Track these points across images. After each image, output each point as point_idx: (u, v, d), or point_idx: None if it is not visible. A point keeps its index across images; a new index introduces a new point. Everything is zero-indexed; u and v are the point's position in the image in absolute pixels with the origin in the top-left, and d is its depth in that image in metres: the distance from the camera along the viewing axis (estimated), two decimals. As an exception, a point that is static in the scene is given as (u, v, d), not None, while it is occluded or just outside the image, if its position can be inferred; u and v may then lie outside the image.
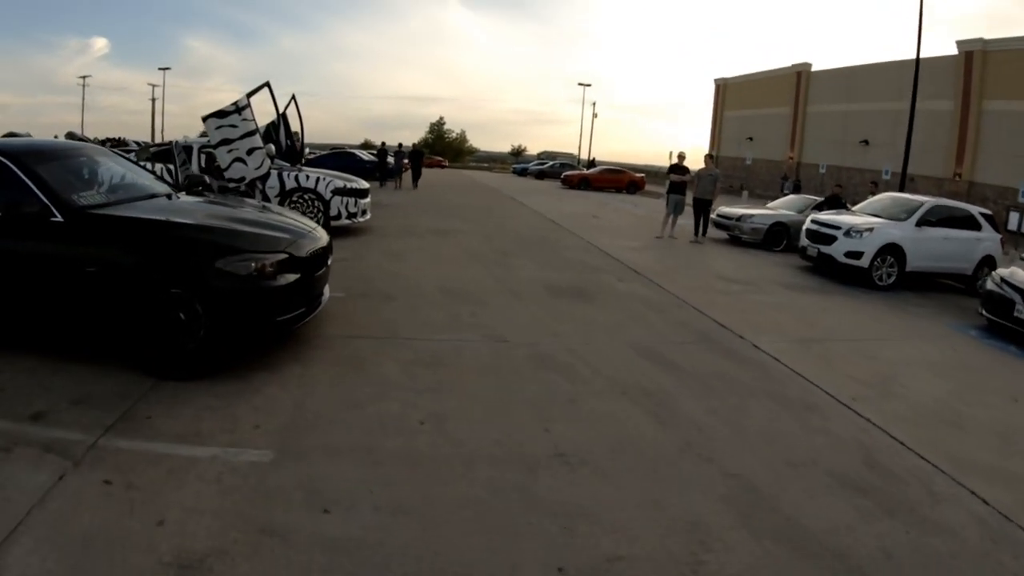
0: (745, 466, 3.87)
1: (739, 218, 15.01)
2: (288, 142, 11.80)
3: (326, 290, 5.62)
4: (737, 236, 14.90)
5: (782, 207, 15.97)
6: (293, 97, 11.86)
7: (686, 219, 14.91)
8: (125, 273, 4.25)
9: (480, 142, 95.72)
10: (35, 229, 4.36)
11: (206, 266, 4.29)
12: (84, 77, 69.22)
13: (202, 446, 3.59)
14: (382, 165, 26.96)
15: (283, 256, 4.60)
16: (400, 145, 28.10)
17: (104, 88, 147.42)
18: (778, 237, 14.49)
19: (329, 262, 5.50)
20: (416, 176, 27.15)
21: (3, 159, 4.54)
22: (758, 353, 6.15)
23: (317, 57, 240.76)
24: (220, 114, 9.87)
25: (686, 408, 4.66)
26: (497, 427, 4.09)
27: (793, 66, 43.94)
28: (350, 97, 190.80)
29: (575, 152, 66.11)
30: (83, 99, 70.82)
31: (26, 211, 4.33)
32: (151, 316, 4.30)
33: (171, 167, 10.35)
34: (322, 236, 5.45)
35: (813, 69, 42.78)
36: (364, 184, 12.00)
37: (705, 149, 54.93)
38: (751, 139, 46.69)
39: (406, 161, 27.33)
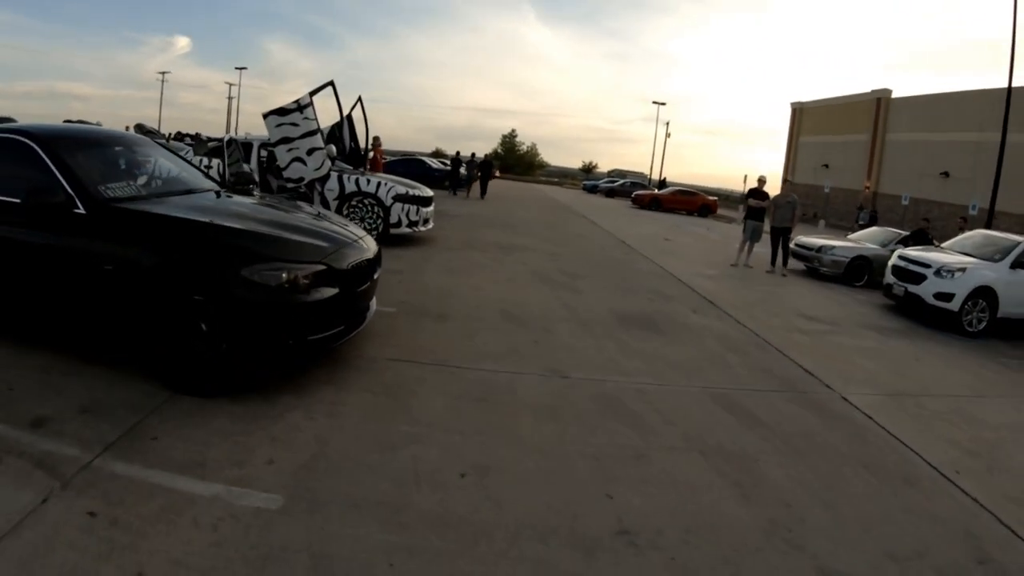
0: (841, 558, 3.12)
1: (819, 249, 14.00)
2: (352, 144, 11.45)
3: (373, 304, 5.11)
4: (815, 268, 13.90)
5: (864, 239, 14.89)
6: (359, 99, 11.55)
7: (763, 247, 14.01)
8: (144, 274, 3.82)
9: (550, 157, 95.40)
10: (56, 221, 4.00)
11: (229, 274, 3.78)
12: (163, 73, 72.70)
13: (205, 481, 3.08)
14: (455, 174, 27.40)
15: (320, 267, 4.07)
16: (473, 155, 28.93)
17: (185, 85, 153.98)
18: (859, 271, 13.46)
19: (376, 275, 4.96)
20: (484, 186, 27.32)
21: (31, 143, 4.23)
22: (848, 408, 5.34)
23: (391, 65, 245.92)
24: (281, 111, 9.58)
25: (772, 477, 3.91)
26: (551, 488, 3.42)
27: (872, 92, 41.81)
28: (422, 106, 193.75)
29: (645, 171, 65.07)
30: (161, 94, 74.48)
31: (48, 200, 3.97)
32: (170, 324, 3.84)
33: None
34: (369, 247, 4.92)
35: (893, 96, 40.65)
36: (428, 192, 11.50)
37: (780, 175, 53.28)
38: (827, 166, 44.71)
39: (476, 171, 27.73)
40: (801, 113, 51.21)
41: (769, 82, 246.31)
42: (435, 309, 6.63)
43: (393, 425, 3.87)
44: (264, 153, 10.38)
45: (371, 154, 14.31)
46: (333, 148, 10.15)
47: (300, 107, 9.57)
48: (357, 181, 10.36)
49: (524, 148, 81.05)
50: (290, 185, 9.99)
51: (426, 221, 11.15)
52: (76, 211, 3.97)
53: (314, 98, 9.76)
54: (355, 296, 4.43)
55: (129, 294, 3.83)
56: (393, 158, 34.97)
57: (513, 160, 74.76)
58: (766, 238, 14.00)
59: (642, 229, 20.90)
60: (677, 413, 4.68)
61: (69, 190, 4.01)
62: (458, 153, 29.02)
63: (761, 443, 4.38)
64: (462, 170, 27.72)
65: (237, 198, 5.27)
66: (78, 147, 4.50)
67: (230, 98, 67.98)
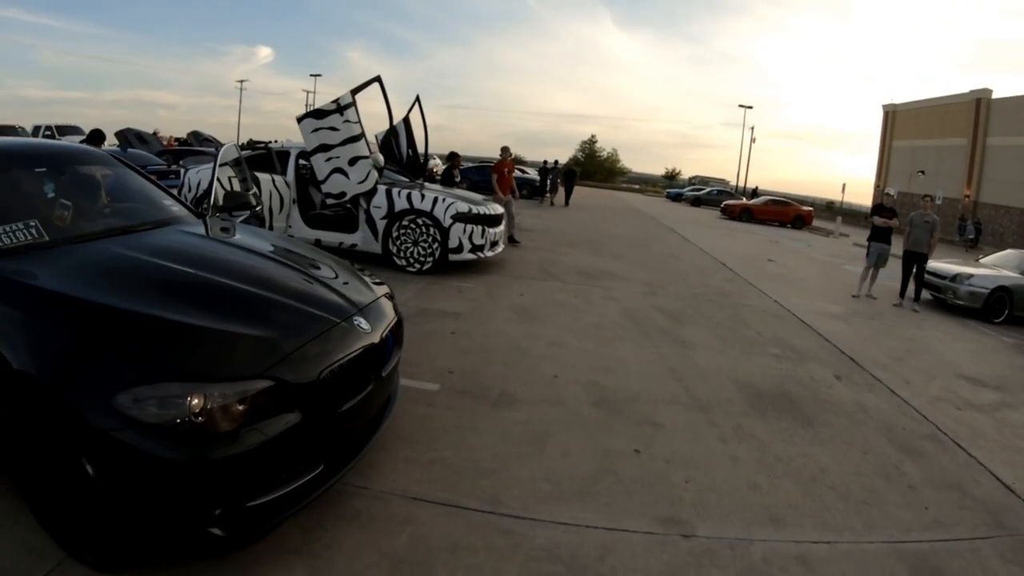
0: None
1: (954, 278, 11.49)
2: (409, 152, 9.78)
3: (396, 386, 3.43)
4: (944, 299, 11.52)
5: (1001, 265, 12.30)
6: (417, 99, 9.83)
7: (885, 271, 11.78)
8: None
9: (630, 162, 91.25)
10: None
11: (93, 403, 2.10)
12: (242, 81, 74.69)
13: None
14: (543, 183, 27.45)
15: (264, 384, 2.32)
16: (556, 162, 29.45)
17: (267, 93, 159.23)
18: (999, 305, 11.03)
19: (387, 371, 3.15)
20: (569, 194, 27.74)
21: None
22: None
23: (470, 71, 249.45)
24: (318, 113, 8.03)
25: None
26: None
27: (971, 92, 37.76)
28: (502, 111, 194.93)
29: (726, 177, 61.66)
30: (240, 102, 76.18)
31: None
32: (45, 466, 2.31)
33: (271, 175, 8.59)
34: (375, 322, 3.10)
35: (995, 96, 36.45)
36: (496, 209, 9.57)
37: (871, 180, 49.29)
38: (923, 173, 40.58)
39: (560, 179, 28.05)
40: (894, 116, 47.40)
41: (857, 84, 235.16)
42: (496, 383, 4.79)
43: None
44: (306, 163, 8.82)
45: (432, 162, 12.75)
46: (380, 157, 8.47)
47: (340, 108, 7.96)
48: (409, 196, 8.55)
49: (604, 154, 78.42)
50: (330, 201, 8.42)
51: (493, 244, 9.26)
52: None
53: (358, 97, 8.15)
54: (340, 420, 2.66)
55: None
56: (469, 164, 34.05)
57: (593, 166, 72.28)
58: (893, 262, 11.72)
59: (739, 246, 18.61)
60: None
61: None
62: (545, 162, 29.00)
63: None
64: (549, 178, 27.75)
65: (193, 238, 3.55)
66: None
67: (308, 105, 68.38)
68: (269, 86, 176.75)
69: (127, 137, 19.16)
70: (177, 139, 28.96)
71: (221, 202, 4.66)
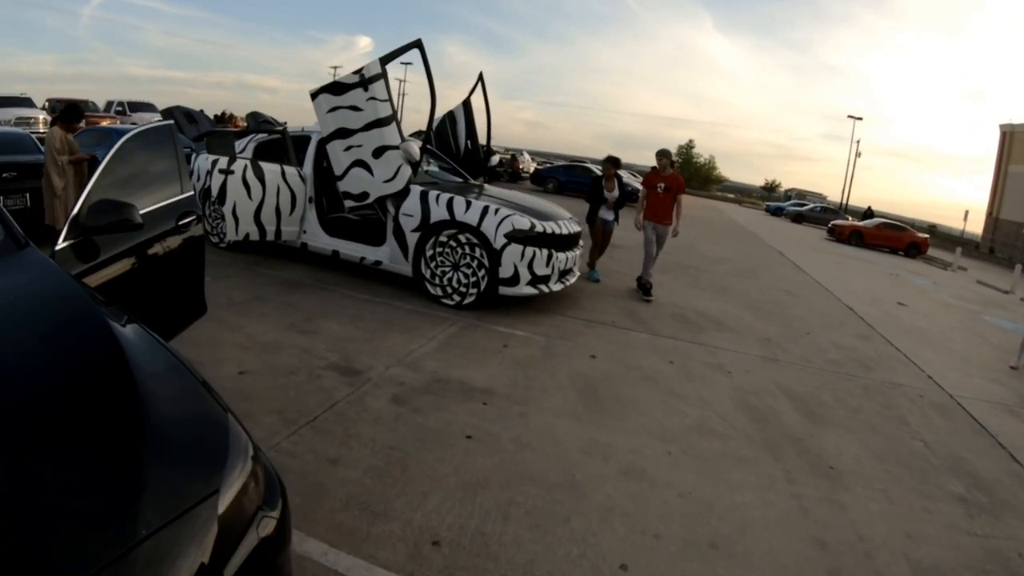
0: None
1: None
2: (468, 143, 7.70)
3: None
4: None
5: None
6: (480, 78, 7.63)
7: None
8: None
9: (726, 171, 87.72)
10: None
11: None
12: (335, 67, 75.28)
13: None
14: None
15: None
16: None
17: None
18: None
19: None
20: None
21: None
22: None
23: (566, 70, 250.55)
24: (336, 88, 6.05)
25: None
26: None
27: None
28: (595, 110, 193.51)
29: (823, 192, 57.30)
30: None
31: None
32: None
33: (281, 167, 6.70)
34: None
35: None
36: (572, 226, 7.06)
37: (980, 206, 44.93)
38: None
39: None
40: (1011, 137, 42.57)
41: (966, 103, 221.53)
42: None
43: None
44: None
45: (496, 157, 10.60)
46: (414, 147, 6.27)
47: (364, 81, 5.92)
48: (450, 204, 6.28)
49: (702, 160, 74.87)
50: (349, 203, 6.44)
51: (564, 274, 6.91)
52: None
53: (388, 67, 6.07)
54: None
55: None
56: (559, 162, 31.85)
57: (690, 172, 68.90)
58: None
59: (859, 280, 15.77)
60: None
61: None
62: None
63: None
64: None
65: None
66: None
67: (402, 94, 68.27)
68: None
69: (174, 116, 17.45)
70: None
71: (85, 218, 2.72)
